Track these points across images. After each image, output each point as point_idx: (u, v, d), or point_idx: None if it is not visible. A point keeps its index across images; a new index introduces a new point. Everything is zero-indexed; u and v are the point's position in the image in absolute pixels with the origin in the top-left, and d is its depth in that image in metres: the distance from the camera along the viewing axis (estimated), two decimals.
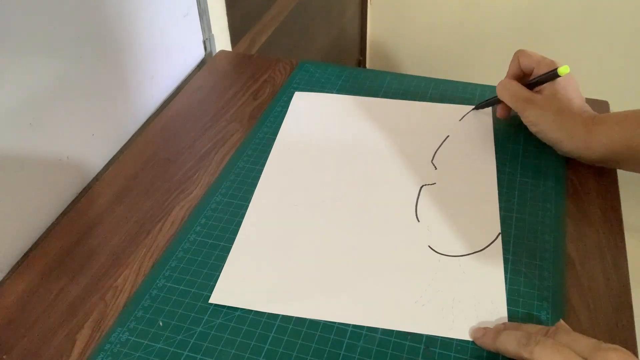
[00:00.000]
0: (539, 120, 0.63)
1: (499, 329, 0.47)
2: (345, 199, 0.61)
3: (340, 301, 0.51)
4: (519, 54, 0.67)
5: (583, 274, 0.53)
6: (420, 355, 0.47)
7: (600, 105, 0.73)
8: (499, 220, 0.57)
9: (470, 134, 0.69)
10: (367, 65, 1.89)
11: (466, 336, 0.48)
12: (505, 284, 0.52)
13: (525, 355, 0.42)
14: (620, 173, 0.63)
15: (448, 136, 0.68)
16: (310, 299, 0.51)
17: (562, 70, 0.62)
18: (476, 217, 0.58)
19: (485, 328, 0.48)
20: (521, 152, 0.65)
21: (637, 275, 0.58)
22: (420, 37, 1.80)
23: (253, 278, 0.53)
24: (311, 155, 0.66)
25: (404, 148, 0.67)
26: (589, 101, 0.73)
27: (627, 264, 0.54)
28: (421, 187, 0.61)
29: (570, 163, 0.64)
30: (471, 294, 0.51)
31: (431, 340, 0.48)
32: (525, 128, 0.68)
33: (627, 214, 0.60)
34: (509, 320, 0.49)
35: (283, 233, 0.57)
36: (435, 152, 0.66)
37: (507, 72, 0.68)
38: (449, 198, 0.60)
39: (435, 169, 0.64)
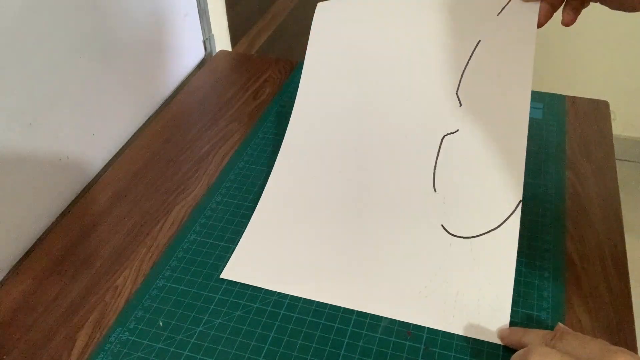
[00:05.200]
0: None
1: (502, 336, 0.47)
2: (363, 168, 0.58)
3: (345, 286, 0.51)
4: None
5: (583, 274, 0.53)
6: (420, 355, 0.47)
7: (600, 106, 0.73)
8: (522, 181, 0.53)
9: (506, 39, 0.56)
10: None
11: (464, 332, 0.48)
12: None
13: None
14: (620, 173, 0.63)
15: (479, 42, 0.57)
16: (316, 281, 0.52)
17: None
18: (498, 180, 0.53)
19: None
20: None
21: (637, 275, 0.58)
22: None
23: (264, 257, 0.54)
24: (329, 112, 0.61)
25: (429, 67, 0.58)
26: (589, 101, 0.74)
27: (627, 264, 0.54)
28: (442, 139, 0.56)
29: (570, 163, 0.64)
30: (477, 286, 0.50)
31: (431, 340, 0.48)
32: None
33: (627, 214, 0.60)
34: (510, 318, 0.49)
35: (296, 213, 0.57)
36: (462, 76, 0.57)
37: None
38: (470, 154, 0.55)
39: (460, 105, 0.56)
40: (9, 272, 0.56)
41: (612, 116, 0.71)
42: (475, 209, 0.53)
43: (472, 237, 0.52)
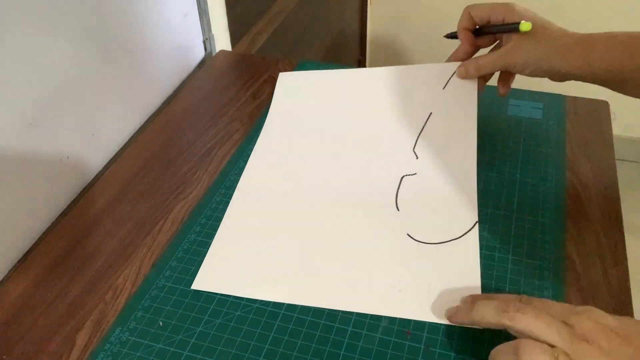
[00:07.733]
0: (527, 57, 0.58)
1: (472, 300, 0.46)
2: (327, 189, 0.61)
3: (318, 286, 0.52)
4: (469, 9, 0.63)
5: (583, 274, 0.53)
6: (420, 355, 0.47)
7: (600, 106, 0.73)
8: (476, 209, 0.58)
9: (453, 107, 0.65)
10: (367, 65, 1.89)
11: (442, 320, 0.49)
12: (506, 283, 0.52)
13: (506, 322, 0.41)
14: (620, 173, 0.63)
15: (431, 114, 0.65)
16: (288, 284, 0.52)
17: (524, 27, 0.57)
18: (455, 207, 0.58)
19: (456, 306, 0.48)
20: (521, 152, 0.65)
21: (637, 275, 0.58)
22: (420, 37, 1.80)
23: (234, 264, 0.54)
24: (295, 145, 0.67)
25: (386, 133, 0.66)
26: (589, 101, 0.74)
27: (627, 264, 0.54)
28: (402, 178, 0.62)
29: (570, 163, 0.64)
30: (447, 279, 0.52)
31: (431, 340, 0.48)
32: (526, 128, 0.68)
33: (627, 214, 0.60)
34: None
35: (264, 220, 0.58)
36: (418, 138, 0.65)
37: (458, 27, 0.64)
38: (429, 188, 0.60)
39: (417, 158, 0.63)
40: (9, 272, 0.56)
41: (612, 116, 0.71)
42: (436, 225, 0.57)
43: (437, 243, 0.55)
